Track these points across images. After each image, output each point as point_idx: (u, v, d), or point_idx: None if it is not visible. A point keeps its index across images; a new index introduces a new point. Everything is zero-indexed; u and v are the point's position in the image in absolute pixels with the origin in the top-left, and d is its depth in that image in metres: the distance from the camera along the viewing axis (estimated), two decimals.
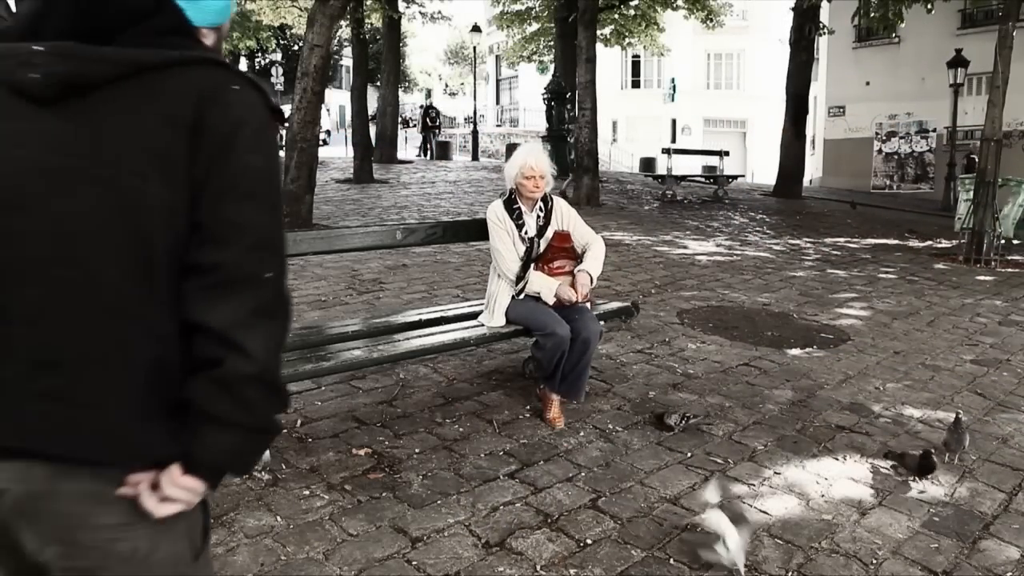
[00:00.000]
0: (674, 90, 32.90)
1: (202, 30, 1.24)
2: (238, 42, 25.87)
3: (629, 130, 33.46)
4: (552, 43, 21.00)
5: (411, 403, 3.91)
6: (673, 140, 28.71)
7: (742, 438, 3.69)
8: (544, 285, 3.71)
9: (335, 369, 3.43)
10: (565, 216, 3.86)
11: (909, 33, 18.51)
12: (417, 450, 3.38)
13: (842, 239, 11.15)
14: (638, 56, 31.93)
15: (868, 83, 21.33)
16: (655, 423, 3.74)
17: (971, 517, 3.03)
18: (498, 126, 36.79)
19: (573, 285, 3.75)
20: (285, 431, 3.50)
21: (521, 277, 3.74)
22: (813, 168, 22.85)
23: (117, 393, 1.10)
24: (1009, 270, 8.96)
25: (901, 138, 20.99)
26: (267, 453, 3.05)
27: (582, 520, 2.86)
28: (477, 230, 4.05)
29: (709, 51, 32.96)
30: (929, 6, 11.44)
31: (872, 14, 12.22)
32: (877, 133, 21.23)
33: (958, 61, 16.52)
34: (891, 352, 5.28)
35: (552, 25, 20.11)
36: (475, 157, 24.40)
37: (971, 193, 9.69)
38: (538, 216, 3.78)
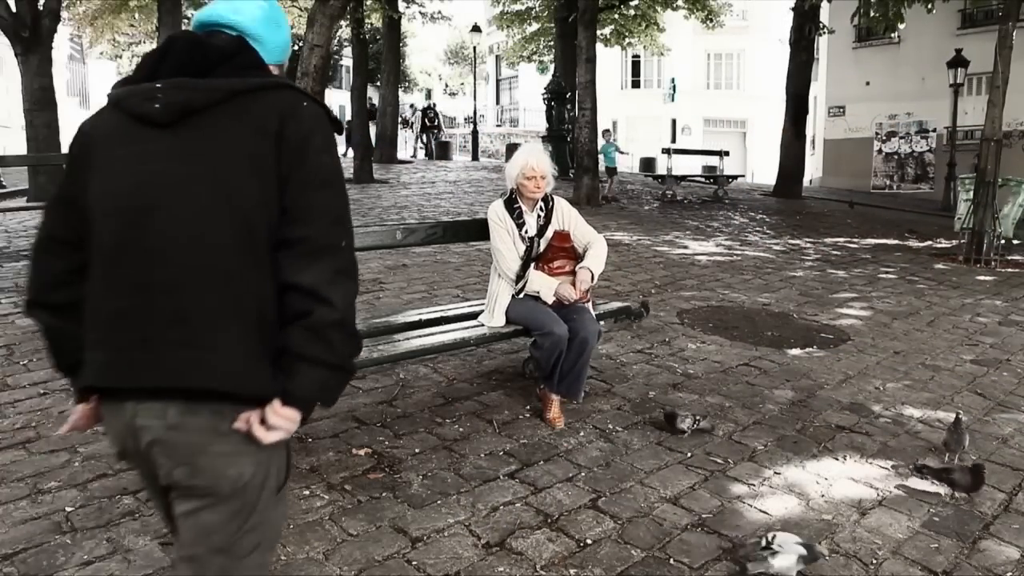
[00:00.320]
0: (674, 90, 32.89)
1: (271, 67, 1.61)
2: None
3: (629, 130, 33.43)
4: (552, 43, 21.01)
5: (411, 403, 3.91)
6: (673, 140, 28.72)
7: (742, 438, 3.69)
8: (544, 284, 3.72)
9: None
10: (566, 216, 3.86)
11: (909, 33, 18.50)
12: (417, 450, 3.38)
13: (842, 239, 11.14)
14: (638, 56, 31.91)
15: (868, 83, 21.32)
16: (665, 424, 3.70)
17: (971, 517, 3.03)
18: (498, 126, 36.78)
19: (574, 284, 3.75)
20: None
21: (521, 276, 3.74)
22: (813, 168, 22.84)
23: (232, 340, 1.43)
24: (1009, 270, 8.96)
25: (901, 138, 20.98)
26: None
27: (582, 520, 2.86)
28: (477, 230, 4.05)
29: (709, 51, 32.94)
30: (930, 6, 11.42)
31: (872, 14, 12.20)
32: (877, 133, 21.22)
33: (958, 61, 16.51)
34: (891, 352, 5.28)
35: (552, 25, 20.12)
36: (475, 157, 24.40)
37: (971, 193, 9.68)
38: (538, 216, 3.78)
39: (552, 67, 20.92)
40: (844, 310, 6.47)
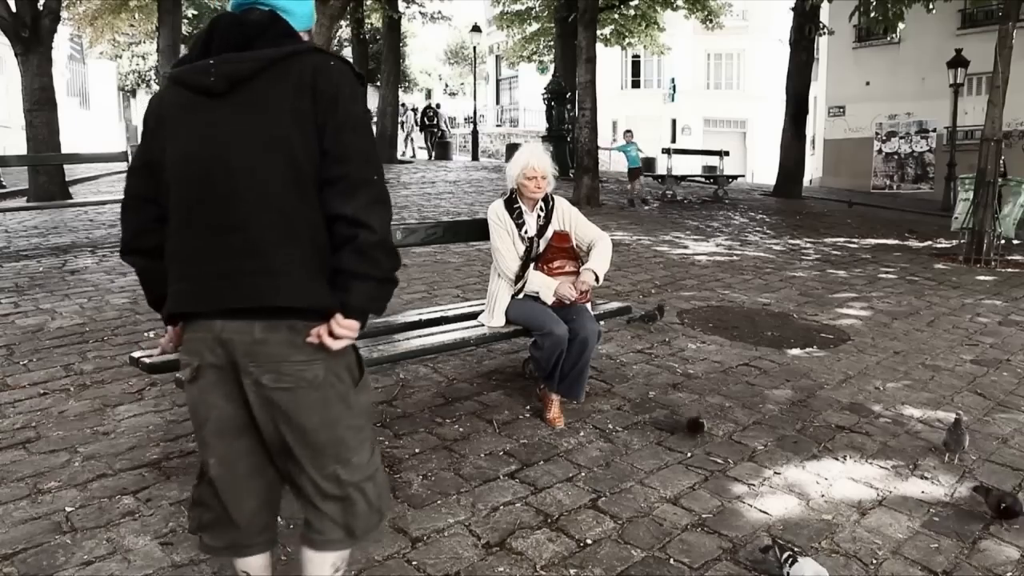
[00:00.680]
0: (674, 90, 32.88)
1: (301, 33, 1.88)
2: None
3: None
4: (552, 43, 21.01)
5: (411, 403, 3.91)
6: (673, 140, 28.69)
7: (742, 438, 3.69)
8: (543, 284, 3.71)
9: None
10: (566, 215, 3.84)
11: (909, 33, 18.50)
12: (417, 450, 3.38)
13: (842, 239, 11.14)
14: (638, 56, 31.89)
15: (868, 83, 21.31)
16: (689, 428, 3.62)
17: (971, 517, 3.03)
18: (498, 126, 36.76)
19: (575, 284, 3.75)
20: None
21: (521, 276, 3.73)
22: (813, 168, 22.82)
23: (297, 263, 1.74)
24: (1009, 270, 8.95)
25: (901, 138, 20.97)
26: None
27: (582, 520, 2.86)
28: (477, 230, 4.05)
29: (709, 51, 32.91)
30: (930, 6, 11.42)
31: (872, 14, 12.19)
32: (877, 133, 21.21)
33: (958, 61, 16.51)
34: (891, 352, 5.28)
35: (552, 25, 20.12)
36: (475, 157, 24.39)
37: (970, 193, 9.67)
38: (538, 216, 3.77)
39: (552, 67, 20.92)
40: (844, 310, 6.47)
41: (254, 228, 1.73)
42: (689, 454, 3.48)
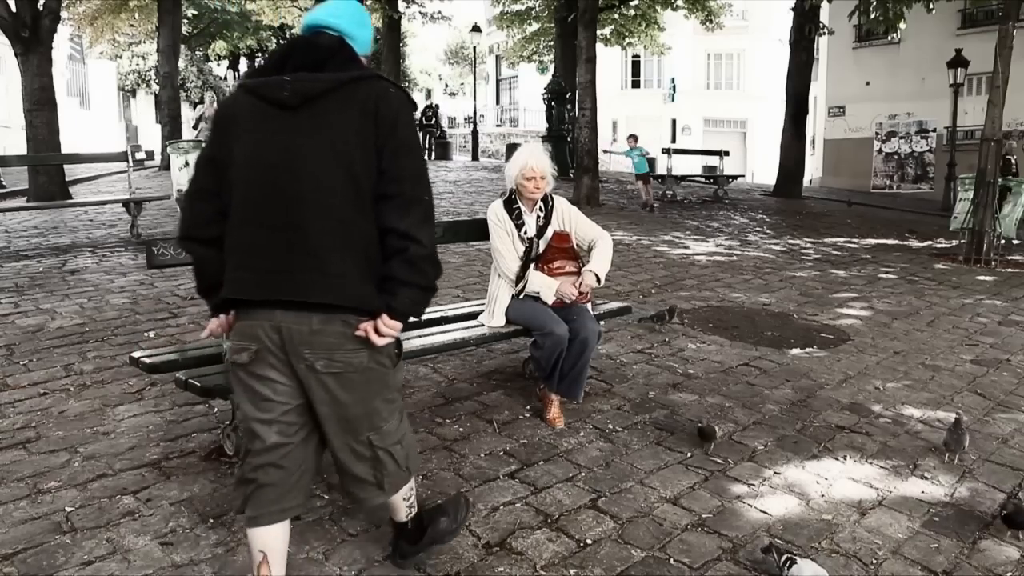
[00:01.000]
0: (674, 90, 32.87)
1: (361, 57, 2.12)
2: (238, 41, 25.86)
3: (629, 130, 33.32)
4: (552, 43, 21.01)
5: (411, 403, 3.90)
6: (673, 140, 28.69)
7: (742, 438, 3.69)
8: (544, 284, 3.71)
9: None
10: (566, 215, 3.84)
11: (909, 33, 18.49)
12: (417, 450, 3.37)
13: (842, 239, 11.15)
14: (638, 56, 31.88)
15: (868, 83, 21.32)
16: (700, 436, 3.53)
17: (971, 517, 3.03)
18: (498, 126, 36.75)
19: (576, 284, 3.75)
20: None
21: (521, 277, 3.73)
22: (813, 168, 22.82)
23: (351, 268, 1.96)
24: (1009, 270, 8.96)
25: (901, 138, 20.98)
26: None
27: (582, 520, 2.86)
28: (477, 230, 4.04)
29: (709, 51, 32.90)
30: (931, 6, 11.42)
31: (872, 14, 12.19)
32: (877, 133, 21.22)
33: (958, 61, 16.51)
34: (891, 352, 5.28)
35: (552, 25, 20.12)
36: (475, 157, 24.38)
37: (970, 193, 9.67)
38: (538, 216, 3.76)
39: (552, 67, 20.92)
40: (844, 310, 6.47)
41: (314, 232, 1.94)
42: (689, 454, 3.48)
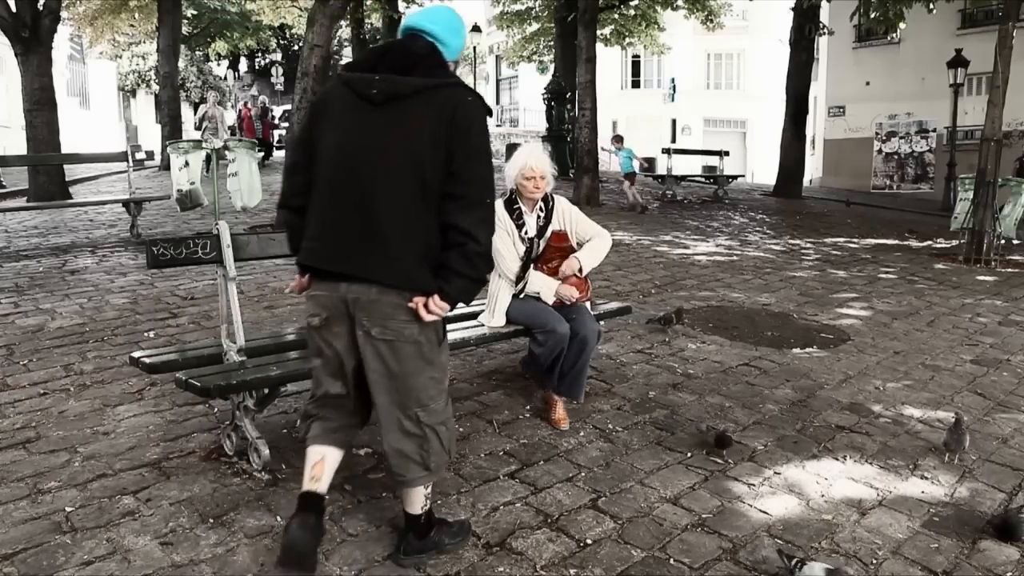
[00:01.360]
0: (674, 90, 32.86)
1: (450, 63, 2.34)
2: (238, 42, 25.84)
3: (629, 130, 33.33)
4: (552, 43, 20.99)
5: None
6: (673, 140, 28.69)
7: (742, 438, 3.69)
8: (544, 284, 3.71)
9: None
10: (566, 215, 3.83)
11: (909, 33, 18.49)
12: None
13: (842, 239, 11.15)
14: (638, 56, 31.86)
15: (868, 83, 21.30)
16: (716, 444, 3.44)
17: (971, 517, 3.03)
18: (498, 126, 36.65)
19: (576, 285, 3.75)
20: (284, 431, 3.50)
21: (521, 277, 3.72)
22: (813, 168, 22.81)
23: (410, 254, 2.21)
24: (1009, 270, 8.96)
25: (901, 138, 20.96)
26: (267, 452, 3.06)
27: (582, 520, 2.86)
28: None
29: (709, 51, 32.89)
30: (931, 5, 11.41)
31: (873, 14, 12.18)
32: (877, 133, 21.20)
33: (958, 61, 16.50)
34: (891, 352, 5.28)
35: (552, 25, 20.10)
36: None
37: (970, 193, 9.67)
38: (538, 216, 3.75)
39: (552, 67, 20.90)
40: (844, 310, 6.47)
41: (381, 218, 2.19)
42: (689, 454, 3.48)
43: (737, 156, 25.94)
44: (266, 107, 21.18)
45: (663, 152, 15.09)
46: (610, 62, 28.80)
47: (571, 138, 15.43)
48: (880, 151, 21.29)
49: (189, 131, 19.86)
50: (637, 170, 13.63)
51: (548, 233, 3.77)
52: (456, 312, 4.13)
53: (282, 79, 36.95)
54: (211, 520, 2.72)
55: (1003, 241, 9.61)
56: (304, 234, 2.33)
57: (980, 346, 5.57)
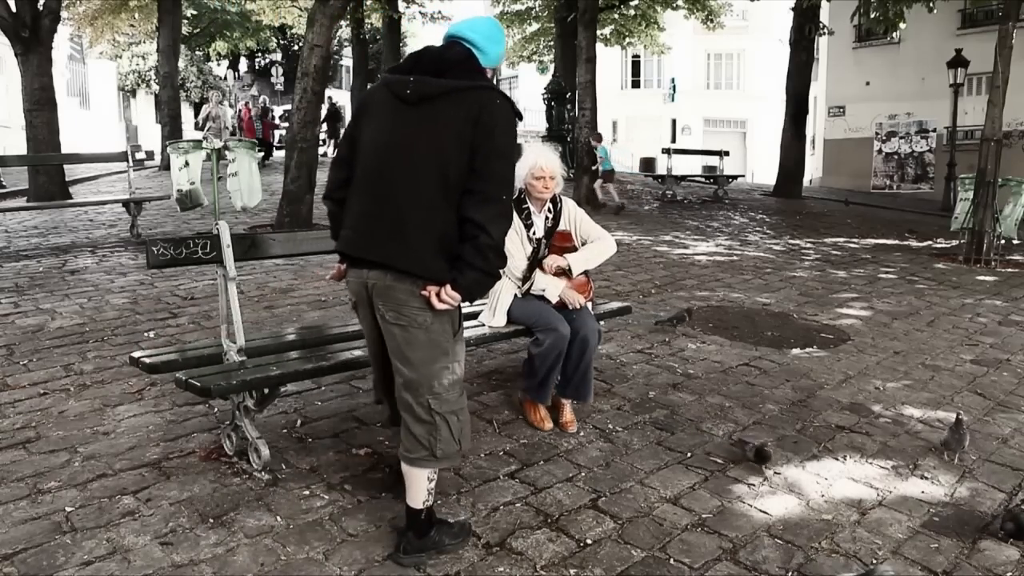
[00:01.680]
0: (674, 90, 32.87)
1: (487, 69, 2.49)
2: (238, 41, 25.84)
3: (629, 130, 33.42)
4: (552, 43, 21.01)
5: None
6: (673, 140, 28.70)
7: (742, 438, 3.68)
8: (550, 283, 3.69)
9: (335, 369, 3.43)
10: (573, 216, 3.81)
11: (909, 33, 18.48)
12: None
13: (842, 239, 11.15)
14: (638, 56, 31.89)
15: (868, 83, 21.30)
16: (756, 458, 3.35)
17: (971, 517, 3.03)
18: None
19: (579, 287, 3.74)
20: (284, 431, 3.50)
21: (528, 277, 3.71)
22: (813, 168, 22.80)
23: (427, 244, 2.33)
24: (1009, 270, 8.96)
25: (901, 138, 20.95)
26: (267, 452, 3.06)
27: (582, 520, 2.86)
28: None
29: (709, 51, 32.91)
30: (931, 5, 11.41)
31: (873, 14, 12.17)
32: (877, 133, 21.20)
33: (958, 61, 16.49)
34: (891, 352, 5.28)
35: (552, 25, 20.12)
36: None
37: (970, 193, 9.67)
38: (547, 217, 3.73)
39: (552, 67, 20.91)
40: (844, 310, 6.47)
41: (404, 209, 2.34)
42: (689, 454, 3.48)
43: (737, 156, 25.95)
44: (267, 107, 21.18)
45: (663, 152, 15.10)
46: (610, 62, 28.82)
47: (571, 138, 15.43)
48: (880, 151, 21.28)
49: (189, 131, 19.85)
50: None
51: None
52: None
53: (282, 79, 36.91)
54: (211, 520, 2.72)
55: (1003, 241, 9.61)
56: (342, 224, 2.52)
57: (980, 346, 5.57)
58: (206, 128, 15.04)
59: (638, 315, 5.70)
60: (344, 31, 23.07)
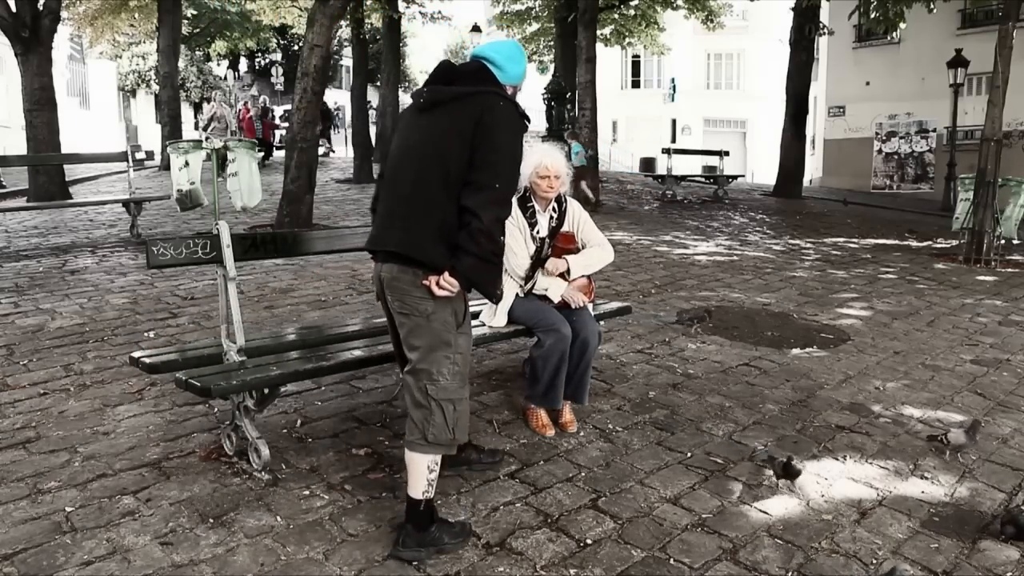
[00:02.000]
0: (674, 90, 32.87)
1: (507, 86, 2.65)
2: (238, 41, 25.83)
3: (629, 130, 33.42)
4: (552, 43, 20.98)
5: None
6: (673, 140, 28.70)
7: (742, 438, 3.69)
8: (552, 283, 3.69)
9: (335, 369, 3.43)
10: (576, 218, 3.81)
11: (909, 33, 18.48)
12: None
13: (842, 239, 11.14)
14: (638, 56, 31.88)
15: (868, 83, 21.29)
16: (784, 474, 3.21)
17: (971, 517, 3.03)
18: None
19: (582, 288, 3.74)
20: (284, 431, 3.50)
21: (530, 276, 3.71)
22: (813, 168, 22.80)
23: (427, 232, 2.48)
24: (1009, 270, 8.95)
25: (901, 138, 20.95)
26: (267, 452, 3.06)
27: (582, 520, 2.86)
28: None
29: (709, 51, 32.91)
30: (931, 5, 11.40)
31: (873, 14, 12.16)
32: (877, 133, 21.19)
33: (958, 61, 16.49)
34: (891, 352, 5.28)
35: (552, 25, 20.08)
36: None
37: (970, 193, 9.67)
38: (551, 217, 3.72)
39: (552, 67, 20.89)
40: (844, 310, 6.47)
41: (408, 202, 2.53)
42: (689, 454, 3.48)
43: (737, 156, 25.95)
44: (267, 107, 21.18)
45: (663, 152, 15.09)
46: (610, 62, 28.81)
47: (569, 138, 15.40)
48: (880, 151, 21.28)
49: (189, 131, 19.84)
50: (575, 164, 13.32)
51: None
52: None
53: (282, 79, 36.88)
54: (211, 520, 2.72)
55: (1003, 241, 9.61)
56: None
57: (980, 346, 5.57)
58: (210, 128, 15.02)
59: (638, 315, 5.70)
60: (344, 31, 23.03)
